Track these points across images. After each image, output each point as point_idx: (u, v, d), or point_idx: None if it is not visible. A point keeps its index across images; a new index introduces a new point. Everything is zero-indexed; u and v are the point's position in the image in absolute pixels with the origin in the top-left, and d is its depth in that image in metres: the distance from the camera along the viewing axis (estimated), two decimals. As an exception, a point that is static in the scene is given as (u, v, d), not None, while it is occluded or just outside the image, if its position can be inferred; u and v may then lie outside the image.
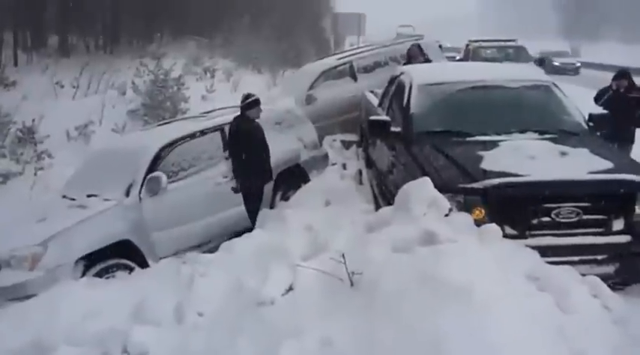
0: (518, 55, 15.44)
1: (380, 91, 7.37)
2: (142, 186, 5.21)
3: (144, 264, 4.99)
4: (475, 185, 4.08)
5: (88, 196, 5.21)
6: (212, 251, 4.99)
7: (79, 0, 13.97)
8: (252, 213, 5.72)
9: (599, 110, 6.09)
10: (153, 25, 17.14)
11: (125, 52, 15.06)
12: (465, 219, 3.88)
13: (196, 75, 15.04)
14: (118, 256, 4.89)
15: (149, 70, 11.57)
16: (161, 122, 7.82)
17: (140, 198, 5.18)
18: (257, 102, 5.76)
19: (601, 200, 4.10)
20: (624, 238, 4.10)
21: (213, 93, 13.27)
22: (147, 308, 3.83)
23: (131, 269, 4.88)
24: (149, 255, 5.10)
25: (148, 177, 5.22)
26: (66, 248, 4.62)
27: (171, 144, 5.60)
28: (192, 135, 5.82)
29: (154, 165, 5.36)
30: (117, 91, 11.71)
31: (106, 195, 5.17)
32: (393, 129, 5.31)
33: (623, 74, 6.68)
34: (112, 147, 6.52)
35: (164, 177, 5.21)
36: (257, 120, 5.77)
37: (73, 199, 5.25)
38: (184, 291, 3.93)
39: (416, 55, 8.22)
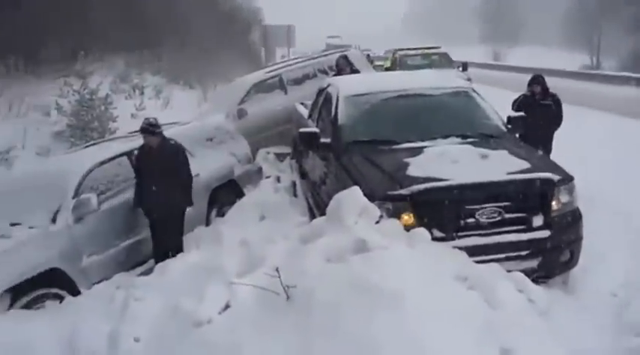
0: (442, 61, 16.03)
1: (309, 103, 7.47)
2: (69, 210, 5.04)
3: (75, 292, 4.82)
4: (402, 191, 4.21)
5: (12, 225, 4.98)
6: (146, 273, 4.89)
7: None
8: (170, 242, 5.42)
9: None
10: (76, 43, 16.58)
11: (48, 73, 14.45)
12: (395, 225, 4.00)
13: (125, 93, 14.66)
14: (47, 285, 4.69)
15: (74, 89, 11.18)
16: (89, 143, 7.59)
17: (68, 223, 5.01)
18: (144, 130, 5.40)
19: (521, 199, 4.32)
20: (544, 233, 4.33)
21: (143, 111, 12.94)
22: (80, 337, 3.71)
23: (62, 298, 4.69)
24: (80, 282, 4.92)
25: (76, 200, 5.06)
26: (-10, 280, 4.38)
27: (100, 166, 5.45)
28: (121, 156, 5.70)
29: (81, 188, 5.19)
30: (40, 113, 11.24)
31: (31, 222, 4.97)
32: (322, 140, 5.41)
33: (535, 79, 6.61)
34: (36, 171, 6.26)
35: (94, 199, 5.05)
36: (174, 141, 5.55)
37: (-5, 229, 5.00)
38: (119, 317, 3.83)
39: (343, 66, 8.38)
